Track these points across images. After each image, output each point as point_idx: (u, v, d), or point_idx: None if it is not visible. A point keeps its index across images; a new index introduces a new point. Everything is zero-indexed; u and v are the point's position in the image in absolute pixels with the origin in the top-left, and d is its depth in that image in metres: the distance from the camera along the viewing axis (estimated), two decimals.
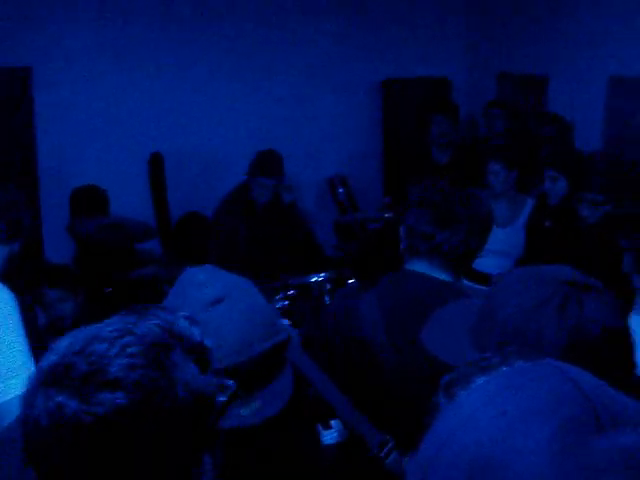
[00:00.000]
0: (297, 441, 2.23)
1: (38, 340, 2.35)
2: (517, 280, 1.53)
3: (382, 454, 1.83)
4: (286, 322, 4.02)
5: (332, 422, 2.34)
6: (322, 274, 4.33)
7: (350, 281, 4.25)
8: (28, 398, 1.06)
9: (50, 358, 1.07)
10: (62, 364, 1.05)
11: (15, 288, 2.24)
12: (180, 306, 1.65)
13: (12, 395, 2.05)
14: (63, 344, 1.09)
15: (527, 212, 4.60)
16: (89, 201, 5.81)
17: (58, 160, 6.06)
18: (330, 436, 2.38)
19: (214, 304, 1.61)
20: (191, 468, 1.13)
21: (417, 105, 6.81)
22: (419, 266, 2.30)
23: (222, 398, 1.25)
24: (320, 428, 2.34)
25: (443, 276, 2.28)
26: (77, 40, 6.02)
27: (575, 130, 5.32)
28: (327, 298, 4.21)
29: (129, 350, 1.05)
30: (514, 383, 0.80)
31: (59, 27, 5.94)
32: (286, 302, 4.18)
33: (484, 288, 3.20)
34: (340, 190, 6.98)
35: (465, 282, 2.76)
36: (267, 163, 4.93)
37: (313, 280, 4.31)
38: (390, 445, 1.84)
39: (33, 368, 2.13)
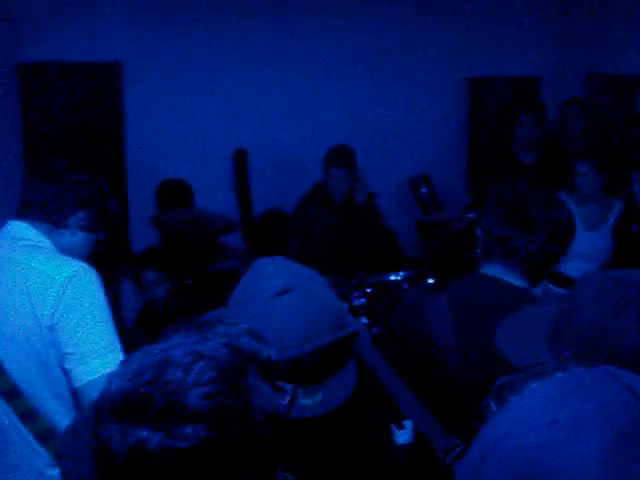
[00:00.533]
0: (370, 440, 2.24)
1: (120, 326, 2.39)
2: (597, 283, 1.48)
3: (448, 458, 1.78)
4: (364, 320, 4.05)
5: (405, 423, 2.32)
6: (400, 273, 4.31)
7: (429, 281, 4.23)
8: (99, 427, 1.04)
9: (120, 384, 1.05)
10: (137, 394, 1.02)
11: (102, 276, 2.30)
12: (248, 295, 1.67)
13: (94, 376, 2.10)
14: (132, 368, 1.06)
15: (615, 215, 4.47)
16: (175, 194, 5.94)
17: (146, 154, 6.20)
18: (403, 437, 2.37)
19: (281, 294, 1.60)
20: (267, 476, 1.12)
21: (504, 104, 6.70)
22: (493, 270, 2.21)
23: (283, 402, 1.24)
24: (394, 428, 2.33)
25: (518, 282, 2.18)
26: (166, 35, 6.15)
27: None
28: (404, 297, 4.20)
29: (205, 377, 1.03)
30: (567, 389, 0.78)
31: (149, 22, 6.08)
32: (363, 300, 4.18)
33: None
34: (423, 190, 6.93)
35: (550, 286, 2.68)
36: (337, 155, 4.95)
37: (391, 279, 4.30)
38: (458, 449, 1.79)
39: (119, 349, 2.19)
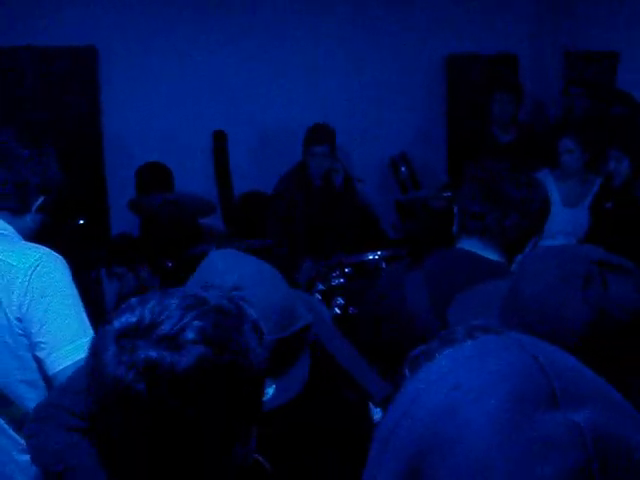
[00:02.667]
0: (348, 418, 2.26)
1: (101, 312, 2.37)
2: (541, 259, 1.51)
3: (384, 405, 1.79)
4: (340, 300, 4.07)
5: None
6: (378, 252, 4.32)
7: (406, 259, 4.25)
8: (100, 355, 1.08)
9: (126, 316, 1.10)
10: (144, 323, 1.08)
11: (83, 261, 2.27)
12: None
13: (68, 362, 2.08)
14: (137, 306, 1.12)
15: (594, 192, 4.51)
16: (154, 177, 5.92)
17: (123, 138, 6.17)
18: (381, 413, 2.39)
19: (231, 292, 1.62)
20: (246, 434, 1.18)
21: (481, 82, 6.71)
22: (469, 245, 2.26)
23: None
24: (371, 405, 2.35)
25: (494, 256, 2.23)
26: (141, 18, 6.10)
27: None
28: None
29: (206, 316, 1.10)
30: (472, 356, 0.79)
31: (123, 6, 6.03)
32: (342, 279, 4.20)
33: None
34: (402, 169, 6.93)
35: None
36: (317, 132, 4.96)
37: (369, 258, 4.32)
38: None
39: (91, 333, 2.15)
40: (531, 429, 0.68)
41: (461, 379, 0.75)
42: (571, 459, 0.66)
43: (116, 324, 1.10)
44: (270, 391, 1.50)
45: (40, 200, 2.32)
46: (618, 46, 6.01)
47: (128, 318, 1.10)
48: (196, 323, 1.08)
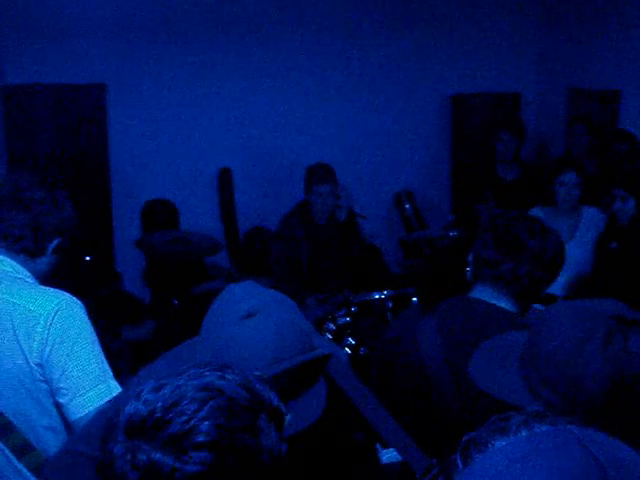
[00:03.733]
0: (355, 459, 2.24)
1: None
2: (561, 314, 1.51)
3: (426, 479, 1.78)
4: (350, 340, 4.06)
5: None
6: (384, 292, 4.31)
7: (413, 299, 4.24)
8: (109, 445, 1.07)
9: (135, 406, 1.08)
10: (151, 418, 1.05)
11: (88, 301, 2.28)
12: (216, 320, 1.69)
13: (90, 408, 2.08)
14: (147, 394, 1.09)
15: (587, 223, 4.50)
16: (160, 215, 5.95)
17: (130, 175, 6.22)
18: (388, 455, 2.38)
19: (246, 318, 1.62)
20: None
21: (486, 121, 6.76)
22: (482, 293, 2.25)
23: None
24: (379, 447, 2.34)
25: (507, 305, 2.22)
26: (149, 57, 6.18)
27: None
28: (389, 316, 4.20)
29: (220, 412, 1.07)
30: (530, 452, 0.77)
31: (131, 45, 6.11)
32: (347, 319, 4.18)
33: None
34: (407, 206, 6.97)
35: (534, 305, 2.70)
36: (319, 171, 4.98)
37: (375, 297, 4.30)
38: (435, 470, 1.79)
39: (111, 376, 2.17)
40: None
41: (518, 478, 0.73)
42: None
43: (127, 412, 1.08)
44: (287, 418, 1.50)
45: (55, 242, 2.33)
46: (620, 85, 6.06)
47: (139, 409, 1.08)
48: (205, 425, 1.05)
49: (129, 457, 1.04)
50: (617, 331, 1.40)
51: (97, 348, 2.18)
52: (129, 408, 1.09)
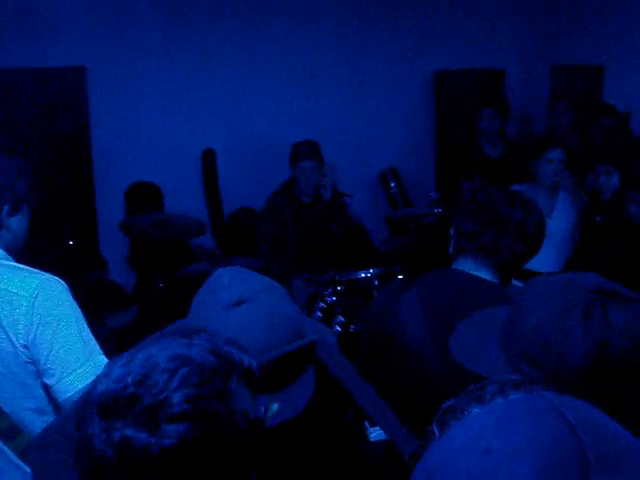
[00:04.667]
0: (344, 437, 2.24)
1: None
2: (542, 289, 1.50)
3: (413, 461, 1.77)
4: (340, 318, 4.06)
5: None
6: (371, 270, 4.32)
7: (399, 277, 4.24)
8: (84, 425, 1.07)
9: (106, 384, 1.08)
10: (123, 394, 1.06)
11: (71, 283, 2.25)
12: (204, 306, 1.67)
13: (79, 387, 2.07)
14: (118, 369, 1.10)
15: (562, 206, 4.49)
16: (143, 197, 5.92)
17: (112, 158, 6.16)
18: (377, 433, 2.38)
19: (235, 306, 1.61)
20: None
21: (469, 97, 6.74)
22: (464, 265, 2.27)
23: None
24: (367, 424, 2.34)
25: (488, 276, 2.23)
26: (130, 39, 6.11)
27: (633, 119, 5.21)
28: (375, 294, 4.20)
29: (189, 381, 1.07)
30: (504, 417, 0.77)
31: (112, 27, 6.04)
32: (334, 297, 4.19)
33: None
34: (392, 184, 6.97)
35: (515, 282, 2.71)
36: (303, 148, 4.97)
37: (362, 276, 4.31)
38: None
39: (99, 352, 2.16)
40: None
41: (492, 443, 0.73)
42: None
43: (99, 388, 1.08)
44: (275, 407, 1.49)
45: (5, 208, 2.27)
46: (603, 60, 6.06)
47: (111, 385, 1.07)
48: (177, 396, 1.05)
49: (104, 436, 1.04)
50: (597, 304, 1.39)
51: (82, 326, 2.17)
52: (100, 386, 1.08)
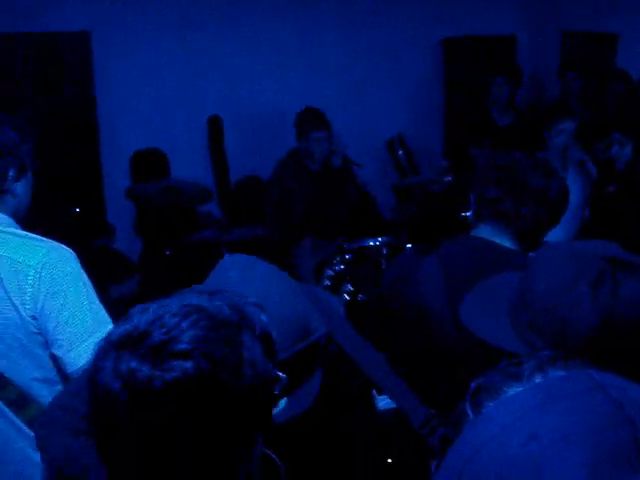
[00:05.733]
0: (351, 406, 2.23)
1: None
2: (552, 256, 1.47)
3: (424, 430, 1.71)
4: (349, 287, 4.05)
5: None
6: (379, 238, 4.29)
7: (408, 246, 4.21)
8: (98, 361, 1.10)
9: (124, 326, 1.11)
10: (136, 332, 1.09)
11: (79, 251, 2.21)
12: None
13: (85, 360, 2.01)
14: (136, 314, 1.13)
15: (572, 175, 4.43)
16: (149, 164, 5.88)
17: (118, 124, 6.11)
18: (385, 401, 2.37)
19: None
20: (245, 449, 1.16)
21: (479, 64, 6.65)
22: (484, 232, 2.21)
23: (276, 391, 1.25)
24: (375, 393, 2.33)
25: (509, 244, 2.18)
26: (135, 4, 6.04)
27: None
28: (384, 263, 4.19)
29: (201, 324, 1.09)
30: (548, 399, 0.72)
31: None
32: (342, 266, 4.17)
33: None
34: (400, 152, 6.91)
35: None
36: (312, 117, 4.94)
37: (370, 244, 4.29)
38: (434, 421, 1.71)
39: (108, 321, 2.12)
40: None
41: (537, 428, 0.69)
42: None
43: (114, 333, 1.11)
44: (281, 404, 1.46)
45: (11, 172, 2.21)
46: (618, 28, 5.95)
47: (125, 327, 1.11)
48: (185, 335, 1.07)
49: (112, 368, 1.07)
50: (608, 273, 1.35)
51: (91, 295, 2.13)
52: (117, 329, 1.12)
